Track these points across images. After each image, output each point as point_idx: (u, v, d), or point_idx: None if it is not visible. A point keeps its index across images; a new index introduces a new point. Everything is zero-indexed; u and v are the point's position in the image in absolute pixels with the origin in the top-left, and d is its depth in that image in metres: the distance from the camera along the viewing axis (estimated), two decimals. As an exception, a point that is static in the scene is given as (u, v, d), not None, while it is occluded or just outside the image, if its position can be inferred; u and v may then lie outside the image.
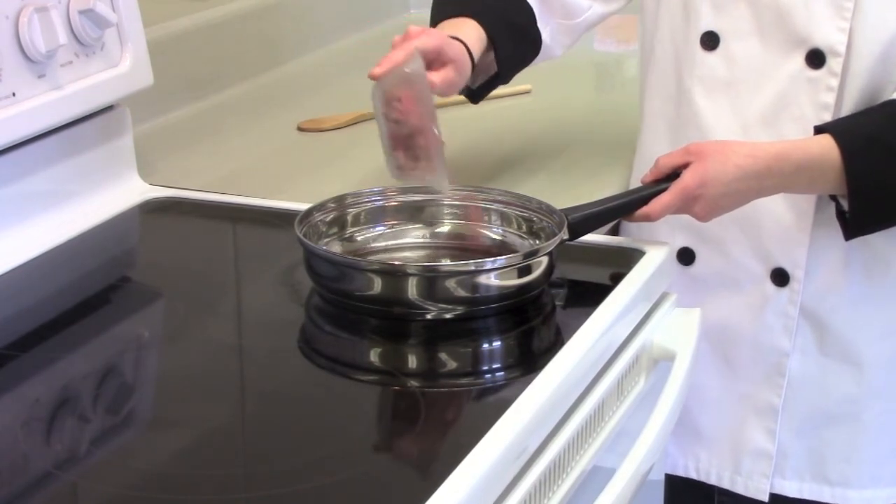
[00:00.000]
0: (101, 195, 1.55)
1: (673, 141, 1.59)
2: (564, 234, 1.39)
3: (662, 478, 1.58)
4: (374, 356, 1.33)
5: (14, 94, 1.42)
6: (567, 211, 1.41)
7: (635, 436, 1.27)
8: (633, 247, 1.46)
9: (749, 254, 1.58)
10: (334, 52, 2.23)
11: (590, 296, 1.36)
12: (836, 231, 1.52)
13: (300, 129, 1.89)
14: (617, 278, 1.38)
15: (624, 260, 1.42)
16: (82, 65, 1.51)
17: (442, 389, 1.26)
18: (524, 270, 1.33)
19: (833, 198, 1.50)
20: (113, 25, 1.52)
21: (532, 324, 1.35)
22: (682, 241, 1.62)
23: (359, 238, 1.45)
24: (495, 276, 1.32)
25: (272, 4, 2.13)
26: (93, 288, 1.44)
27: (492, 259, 1.33)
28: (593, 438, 1.27)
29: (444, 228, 1.48)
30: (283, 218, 1.53)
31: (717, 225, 1.56)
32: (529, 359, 1.31)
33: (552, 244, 1.36)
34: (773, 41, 1.52)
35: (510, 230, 1.45)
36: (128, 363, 1.32)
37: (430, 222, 1.47)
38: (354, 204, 1.46)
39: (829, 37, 1.48)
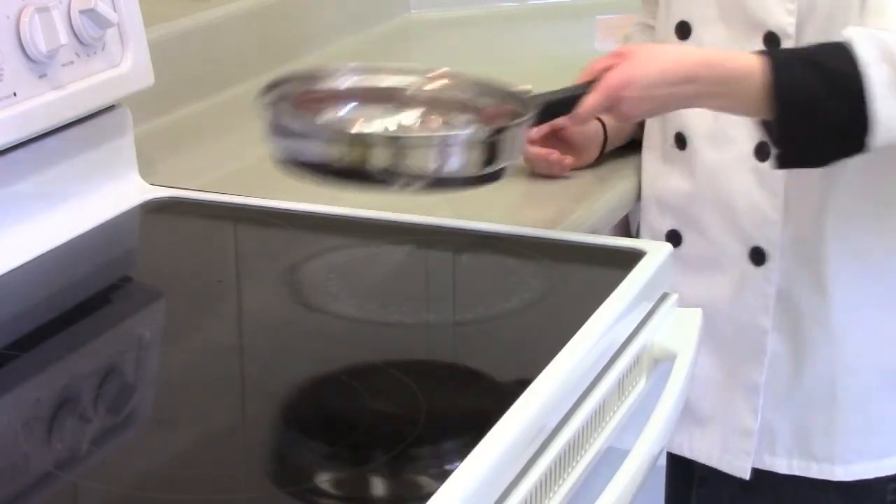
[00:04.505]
0: (102, 195, 1.55)
1: (661, 125, 1.65)
2: (532, 116, 1.39)
3: (664, 464, 1.59)
4: (374, 355, 1.33)
5: (15, 94, 1.42)
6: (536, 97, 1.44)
7: (635, 435, 1.27)
8: (633, 247, 1.46)
9: (728, 234, 1.62)
10: (334, 52, 2.22)
11: (590, 296, 1.35)
12: (806, 212, 1.57)
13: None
14: (617, 278, 1.38)
15: (624, 260, 1.42)
16: (83, 65, 1.50)
17: (440, 390, 1.26)
18: (491, 149, 1.33)
19: (765, 135, 1.50)
20: (114, 25, 1.52)
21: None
22: (669, 224, 1.66)
23: (326, 115, 1.45)
24: (462, 150, 1.32)
25: (272, 4, 2.13)
26: (93, 288, 1.44)
27: (459, 130, 1.33)
28: (594, 439, 1.27)
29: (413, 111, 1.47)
30: (283, 218, 1.53)
31: (698, 207, 1.62)
32: (529, 360, 1.30)
33: (521, 122, 1.37)
34: (735, 27, 1.57)
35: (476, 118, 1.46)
36: (128, 363, 1.32)
37: (398, 107, 1.46)
38: (324, 79, 1.46)
39: (779, 19, 1.53)
